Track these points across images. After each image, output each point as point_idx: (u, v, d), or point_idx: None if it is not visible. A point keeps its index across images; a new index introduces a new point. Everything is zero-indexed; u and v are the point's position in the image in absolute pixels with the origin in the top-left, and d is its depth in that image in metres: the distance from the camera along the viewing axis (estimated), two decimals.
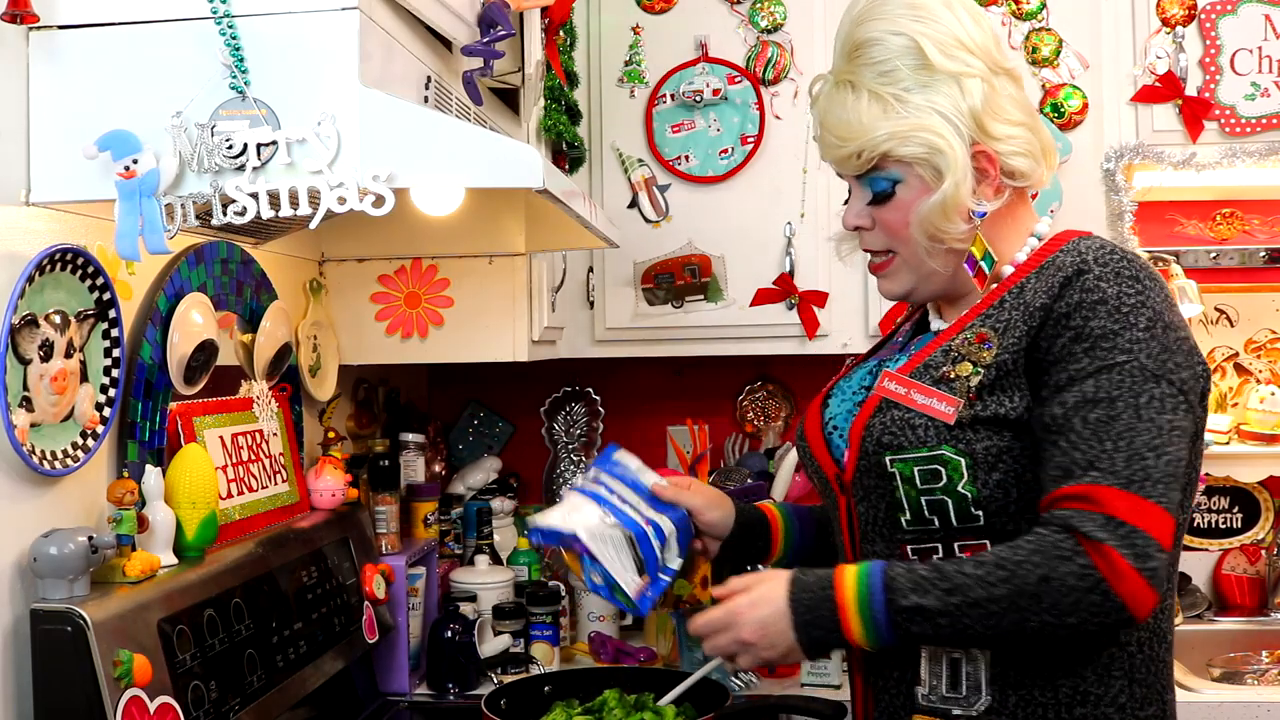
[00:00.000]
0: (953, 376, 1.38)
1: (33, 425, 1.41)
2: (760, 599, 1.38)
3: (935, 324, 1.53)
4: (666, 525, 1.58)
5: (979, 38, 1.43)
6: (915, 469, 1.36)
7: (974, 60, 1.41)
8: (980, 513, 1.35)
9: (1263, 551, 2.98)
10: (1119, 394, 1.29)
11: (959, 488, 1.35)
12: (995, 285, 1.45)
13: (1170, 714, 1.42)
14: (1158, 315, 1.33)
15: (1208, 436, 2.81)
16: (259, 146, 1.31)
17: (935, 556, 1.38)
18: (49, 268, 1.42)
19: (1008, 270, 1.46)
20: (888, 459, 1.38)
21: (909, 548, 1.40)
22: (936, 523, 1.37)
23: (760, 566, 1.64)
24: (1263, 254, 3.02)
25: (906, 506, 1.38)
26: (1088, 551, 1.24)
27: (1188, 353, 1.35)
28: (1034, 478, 1.34)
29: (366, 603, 2.10)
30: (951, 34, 1.41)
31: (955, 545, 1.38)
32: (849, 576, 1.34)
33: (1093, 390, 1.30)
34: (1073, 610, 1.25)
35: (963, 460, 1.34)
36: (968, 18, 1.44)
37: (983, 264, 1.44)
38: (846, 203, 1.52)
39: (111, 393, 1.53)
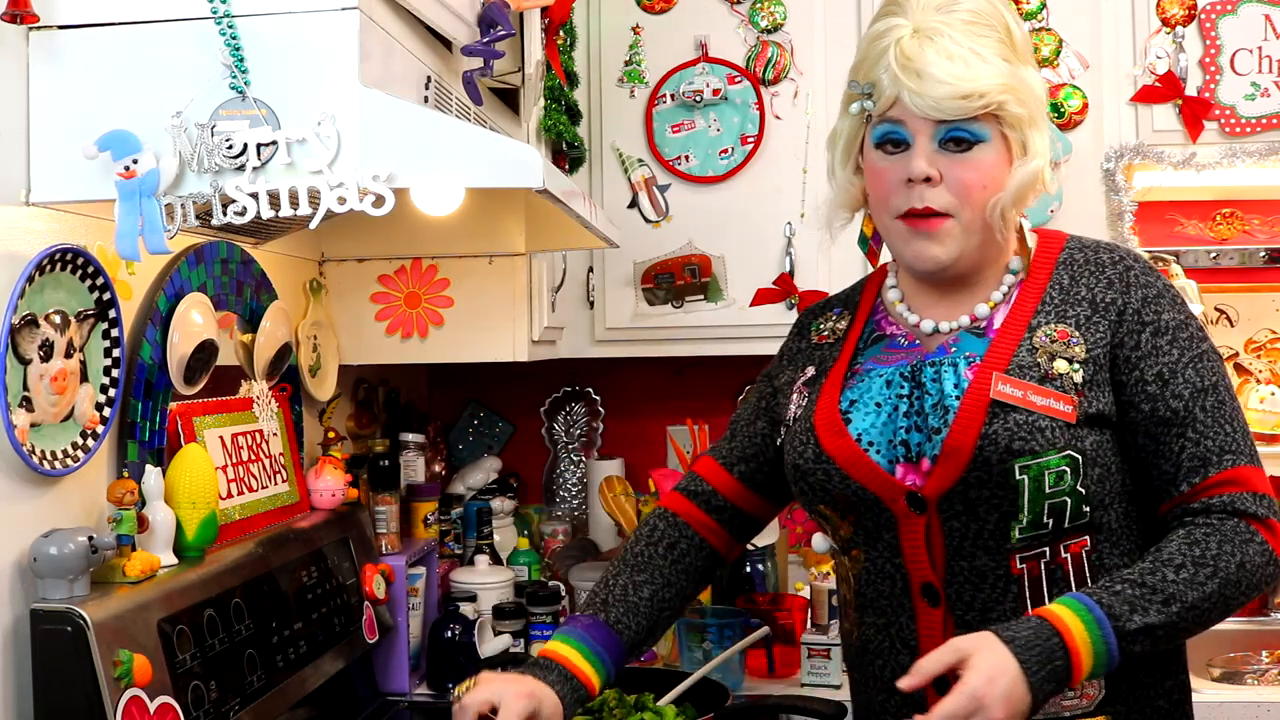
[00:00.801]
0: (1055, 374, 1.37)
1: (33, 425, 1.41)
2: (994, 672, 1.24)
3: (928, 323, 1.47)
4: None
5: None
6: (1045, 472, 1.34)
7: (1032, 55, 1.45)
8: (1088, 508, 1.37)
9: None
10: (1216, 379, 1.39)
11: (1077, 486, 1.35)
12: (1013, 277, 1.46)
13: None
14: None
15: None
16: (259, 146, 1.31)
17: (1043, 562, 1.37)
18: (49, 268, 1.42)
19: (1019, 261, 1.46)
20: (1016, 466, 1.33)
21: (1019, 555, 1.37)
22: (1050, 525, 1.36)
23: None
24: (1263, 254, 3.02)
25: (1027, 513, 1.35)
26: (1258, 530, 1.34)
27: None
28: (1117, 468, 1.39)
29: (366, 603, 2.10)
30: (1024, 28, 1.45)
31: (1061, 545, 1.37)
32: (1071, 619, 1.27)
33: (1197, 379, 1.38)
34: (1258, 585, 1.34)
35: (1080, 458, 1.35)
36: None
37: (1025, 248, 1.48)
38: (889, 150, 1.41)
39: (111, 393, 1.53)
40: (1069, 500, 1.35)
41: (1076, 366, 1.38)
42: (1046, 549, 1.37)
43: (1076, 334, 1.39)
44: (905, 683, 1.28)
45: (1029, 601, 1.37)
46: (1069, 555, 1.38)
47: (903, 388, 1.43)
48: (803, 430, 1.48)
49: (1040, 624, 1.27)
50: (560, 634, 1.50)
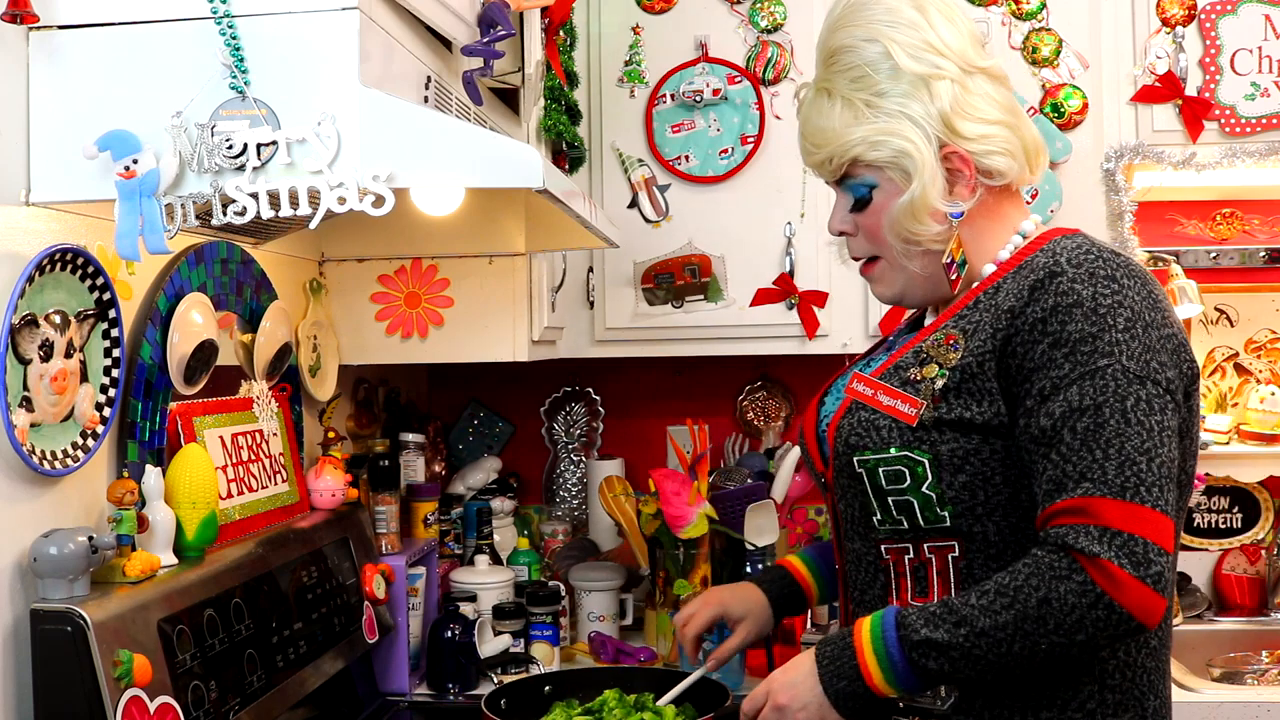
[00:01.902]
0: (918, 379, 1.39)
1: (33, 425, 1.40)
2: (791, 666, 1.41)
3: (929, 316, 1.56)
4: None
5: (952, 39, 1.44)
6: (880, 469, 1.38)
7: (944, 62, 1.43)
8: (945, 513, 1.36)
9: (1263, 551, 2.98)
10: (1104, 399, 1.27)
11: (923, 488, 1.36)
12: (975, 284, 1.45)
13: None
14: (1136, 315, 1.31)
15: (1207, 436, 2.84)
16: (259, 146, 1.31)
17: (907, 557, 1.41)
18: (49, 268, 1.42)
19: (989, 269, 1.46)
20: (855, 460, 1.40)
21: (884, 546, 1.43)
22: (905, 523, 1.39)
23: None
24: (1263, 254, 3.02)
25: (876, 507, 1.41)
26: (1085, 567, 1.24)
27: (1172, 350, 1.33)
28: (1003, 480, 1.36)
29: (366, 603, 2.10)
30: (922, 38, 1.43)
31: (925, 545, 1.40)
32: (864, 623, 1.36)
33: (1078, 398, 1.28)
34: (1079, 628, 1.24)
35: (925, 461, 1.36)
36: (940, 20, 1.45)
37: (957, 265, 1.45)
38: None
39: (111, 393, 1.53)
40: (915, 501, 1.37)
41: (944, 372, 1.37)
42: (910, 546, 1.41)
43: (961, 339, 1.38)
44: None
45: (894, 592, 1.43)
46: (934, 557, 1.39)
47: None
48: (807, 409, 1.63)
49: (846, 629, 1.38)
50: (793, 553, 1.85)
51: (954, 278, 1.45)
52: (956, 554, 1.38)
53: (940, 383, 1.37)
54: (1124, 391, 1.27)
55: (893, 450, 1.37)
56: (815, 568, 1.78)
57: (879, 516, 1.41)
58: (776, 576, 1.78)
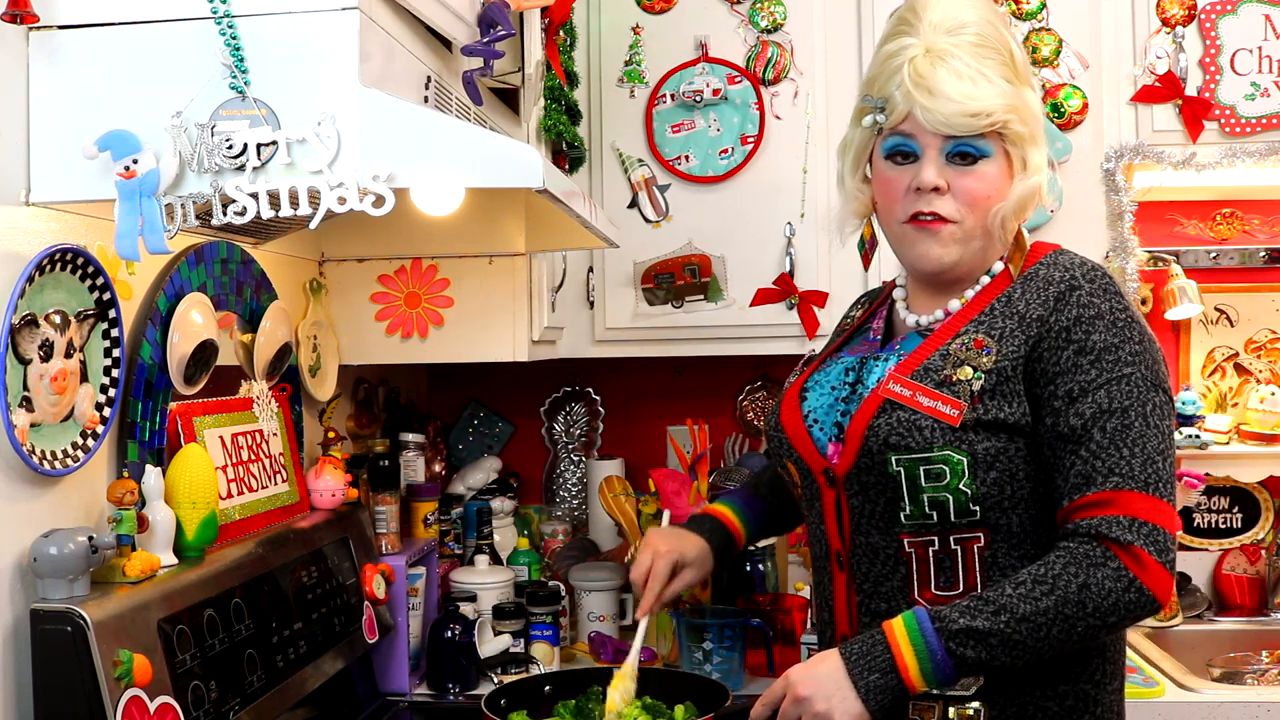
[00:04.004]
0: (955, 380, 1.44)
1: (33, 425, 1.41)
2: (813, 661, 1.43)
3: (910, 318, 1.59)
4: None
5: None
6: (921, 468, 1.42)
7: (1031, 80, 1.52)
8: (977, 508, 1.42)
9: (1263, 551, 2.98)
10: (1130, 404, 1.39)
11: (960, 485, 1.41)
12: (979, 288, 1.53)
13: (1123, 691, 1.54)
14: (1142, 329, 1.45)
15: (1207, 436, 2.84)
16: (259, 146, 1.31)
17: (931, 549, 1.45)
18: (49, 268, 1.42)
19: (998, 267, 1.54)
20: (893, 458, 1.43)
21: (906, 539, 1.46)
22: (935, 517, 1.43)
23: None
24: (1263, 254, 3.02)
25: (908, 502, 1.44)
26: (1118, 554, 1.35)
27: (1162, 360, 1.46)
28: (1026, 475, 1.43)
29: (366, 603, 2.10)
30: (1023, 51, 1.54)
31: (951, 537, 1.44)
32: (897, 620, 1.40)
33: (1106, 401, 1.39)
34: (1113, 610, 1.35)
35: (964, 460, 1.41)
36: None
37: (1012, 259, 1.55)
38: (899, 161, 1.50)
39: (111, 393, 1.53)
40: (951, 497, 1.42)
41: (979, 375, 1.43)
42: (935, 538, 1.45)
43: (992, 344, 1.45)
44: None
45: (916, 583, 1.47)
46: (960, 548, 1.44)
47: (849, 376, 1.57)
48: (777, 400, 1.66)
49: (872, 629, 1.42)
50: (719, 499, 1.94)
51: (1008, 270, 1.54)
52: (982, 544, 1.44)
53: (977, 385, 1.43)
54: (1144, 397, 1.40)
55: (935, 450, 1.41)
56: (743, 515, 1.89)
57: (909, 511, 1.44)
58: (714, 526, 1.87)
